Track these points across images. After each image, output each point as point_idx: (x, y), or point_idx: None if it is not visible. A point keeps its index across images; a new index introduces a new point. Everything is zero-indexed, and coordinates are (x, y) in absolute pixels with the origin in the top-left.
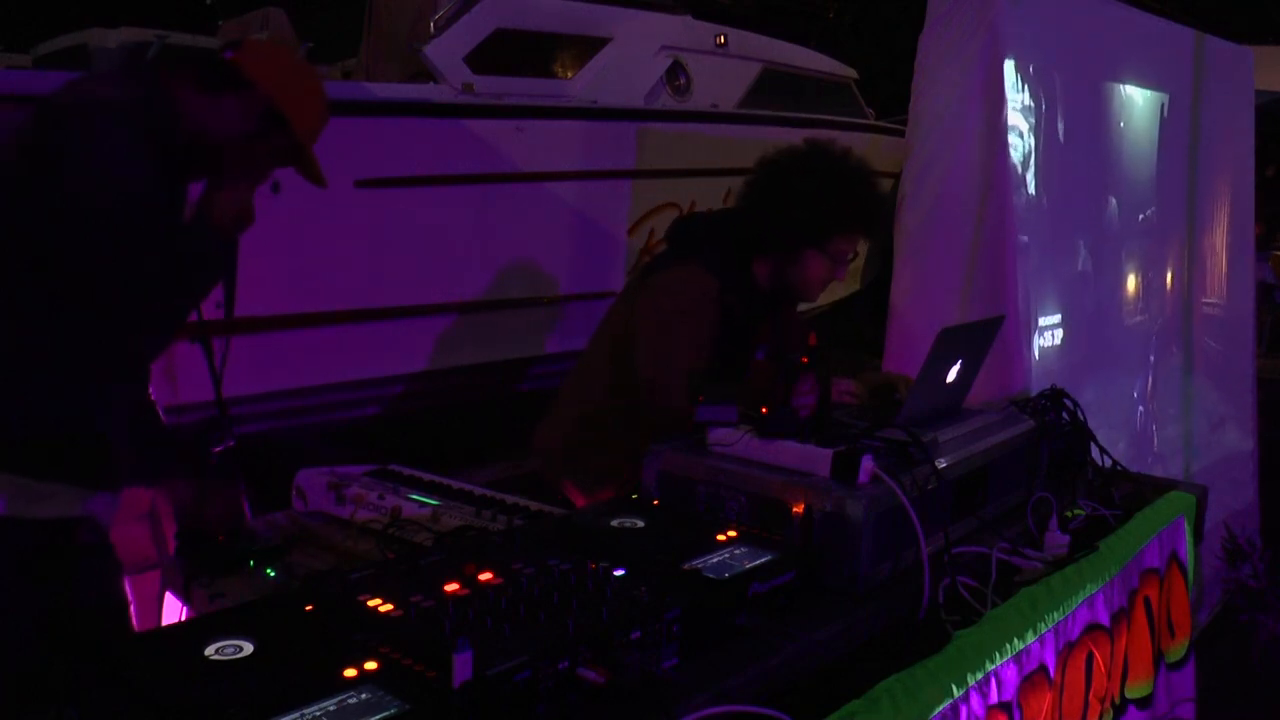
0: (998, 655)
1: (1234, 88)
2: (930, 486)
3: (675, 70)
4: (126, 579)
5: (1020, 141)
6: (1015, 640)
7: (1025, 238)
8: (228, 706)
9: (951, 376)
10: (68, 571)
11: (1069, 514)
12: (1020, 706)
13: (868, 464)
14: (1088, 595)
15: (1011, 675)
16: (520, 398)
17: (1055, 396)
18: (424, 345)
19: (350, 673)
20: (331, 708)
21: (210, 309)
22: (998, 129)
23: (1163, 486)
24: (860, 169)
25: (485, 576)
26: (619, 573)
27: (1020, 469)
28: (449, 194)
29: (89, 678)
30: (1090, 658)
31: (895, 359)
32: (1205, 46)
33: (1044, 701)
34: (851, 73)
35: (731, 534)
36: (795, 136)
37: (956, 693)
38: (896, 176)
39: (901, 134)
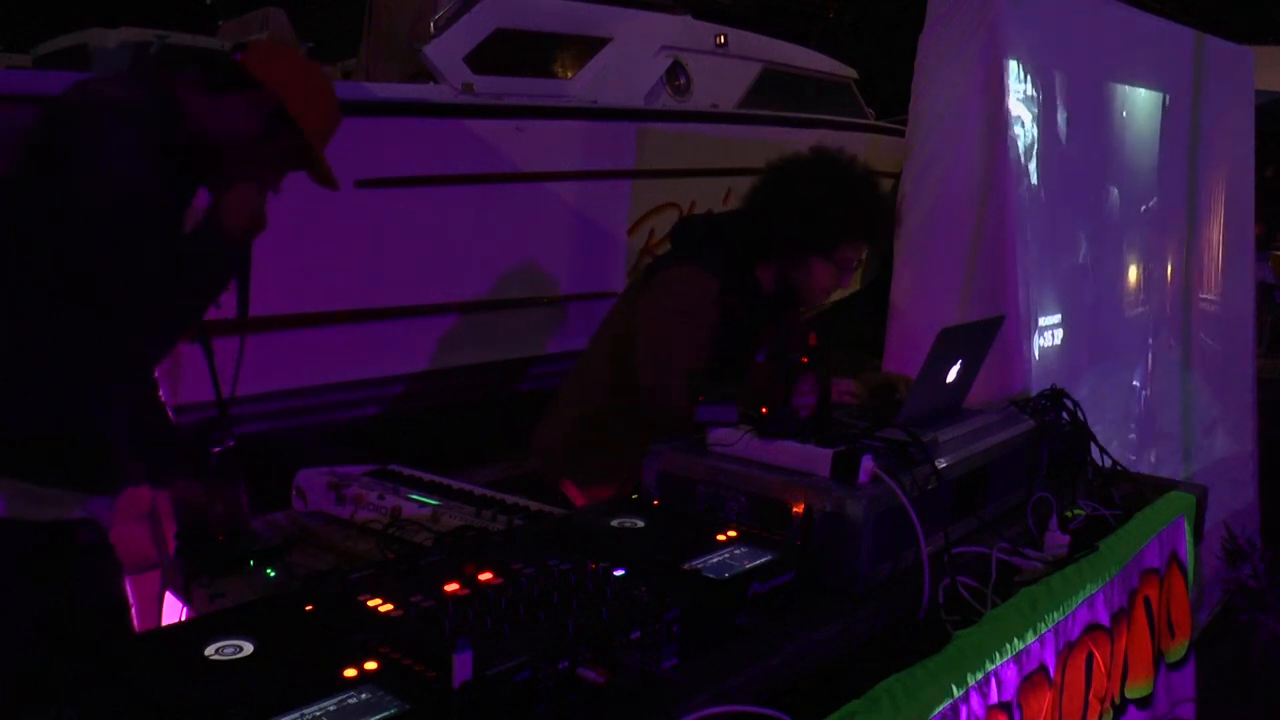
0: (998, 655)
1: (1234, 88)
2: (930, 486)
3: (675, 70)
4: (127, 579)
5: (1021, 137)
6: (1015, 640)
7: (1026, 234)
8: (228, 706)
9: (951, 376)
10: (68, 572)
11: (1069, 514)
12: (1020, 706)
13: (868, 464)
14: (1088, 595)
15: (1011, 675)
16: (520, 398)
17: (1055, 396)
18: (424, 345)
19: (350, 673)
20: (331, 708)
21: (211, 309)
22: (998, 129)
23: (1163, 486)
24: (867, 177)
25: (485, 576)
26: (619, 573)
27: (1020, 469)
28: (449, 194)
29: (89, 678)
30: (1090, 658)
31: (895, 359)
32: (1205, 46)
33: (1044, 701)
34: (851, 73)
35: (731, 534)
36: (795, 136)
37: (956, 693)
38: (896, 176)
39: (901, 134)
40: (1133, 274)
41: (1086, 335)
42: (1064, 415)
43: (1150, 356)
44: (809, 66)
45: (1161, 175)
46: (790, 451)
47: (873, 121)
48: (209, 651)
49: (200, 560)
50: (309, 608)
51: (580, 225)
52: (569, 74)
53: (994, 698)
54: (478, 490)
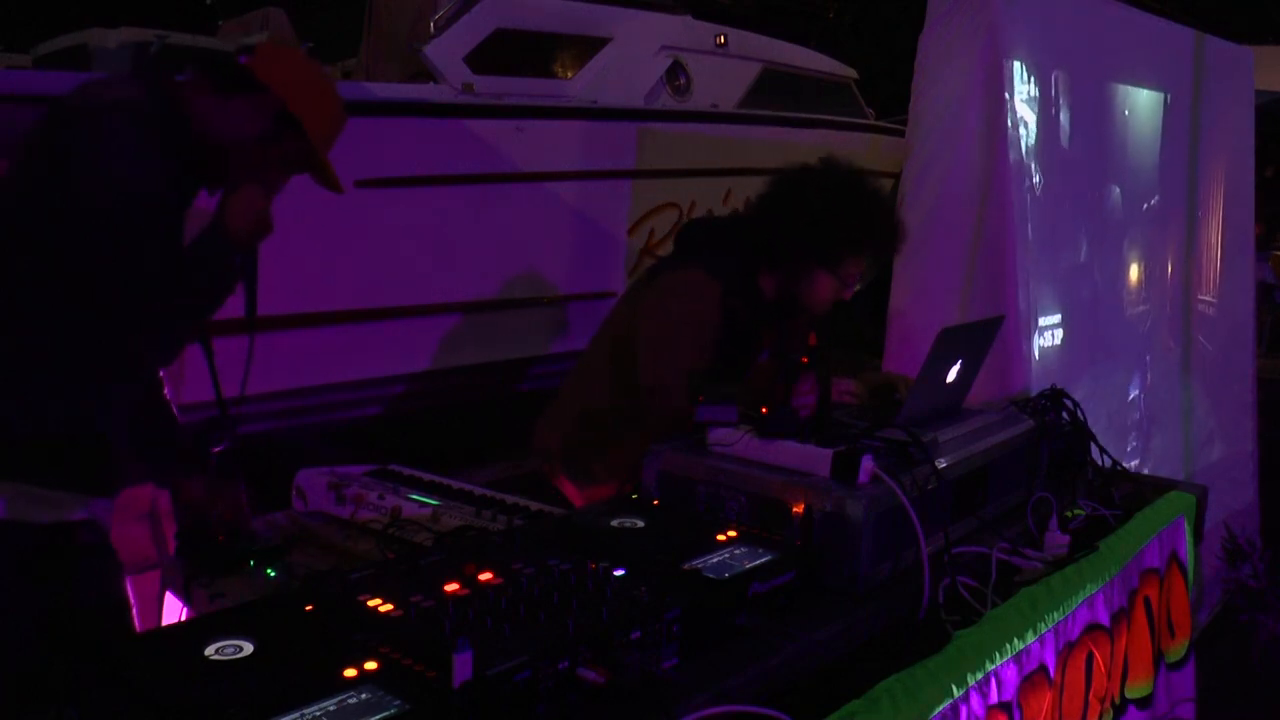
0: (998, 655)
1: (1234, 88)
2: (930, 486)
3: (675, 70)
4: (127, 579)
5: (1021, 137)
6: (1015, 640)
7: (1026, 234)
8: (228, 706)
9: (951, 376)
10: (68, 572)
11: (1069, 514)
12: (1020, 706)
13: (868, 464)
14: (1088, 595)
15: (1011, 675)
16: (520, 398)
17: (1055, 396)
18: (424, 345)
19: (350, 673)
20: (331, 708)
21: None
22: (998, 129)
23: (1163, 486)
24: (875, 192)
25: (485, 576)
26: (619, 573)
27: (1020, 469)
28: (449, 194)
29: (89, 678)
30: (1090, 658)
31: (895, 359)
32: (1205, 46)
33: (1044, 701)
34: (851, 73)
35: (731, 534)
36: (795, 136)
37: (956, 693)
38: (896, 176)
39: (901, 134)
40: (1133, 274)
41: (1086, 335)
42: (1064, 415)
43: (1150, 357)
44: (809, 66)
45: (1162, 175)
46: (790, 451)
47: (873, 121)
48: (209, 651)
49: (200, 560)
50: (309, 608)
51: (580, 225)
52: (569, 74)
53: (994, 698)
54: (478, 490)
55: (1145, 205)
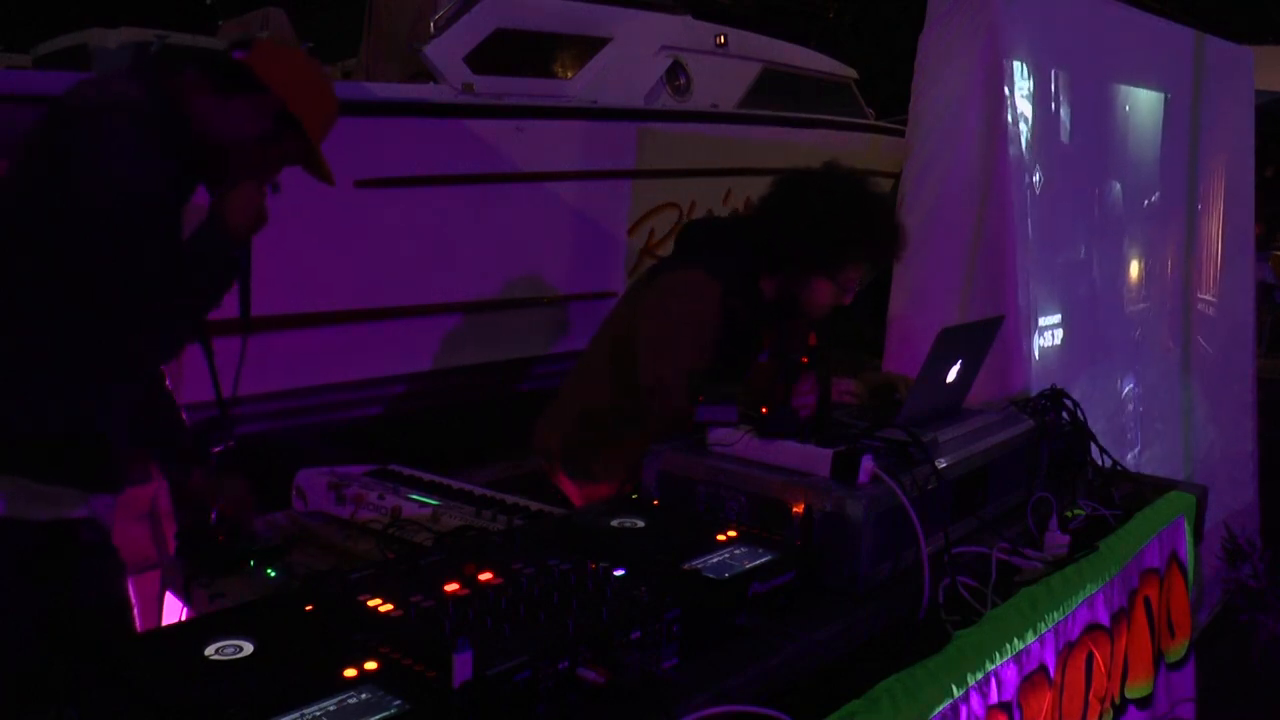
0: (998, 655)
1: (1234, 88)
2: (930, 486)
3: (675, 70)
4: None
5: (1021, 137)
6: (1015, 640)
7: (1026, 234)
8: (228, 706)
9: (951, 376)
10: (68, 571)
11: (1069, 514)
12: (1020, 706)
13: (868, 464)
14: (1088, 595)
15: (1011, 675)
16: (520, 398)
17: (1055, 396)
18: (424, 345)
19: (350, 673)
20: (331, 708)
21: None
22: (998, 128)
23: (1163, 486)
24: (878, 199)
25: (485, 576)
26: (619, 573)
27: (1020, 469)
28: (449, 194)
29: (89, 678)
30: (1090, 658)
31: (895, 359)
32: (1205, 46)
33: (1044, 701)
34: (851, 73)
35: (731, 534)
36: (795, 136)
37: (956, 693)
38: (896, 176)
39: (901, 134)
40: (1133, 275)
41: (1087, 335)
42: (1064, 415)
43: (1150, 357)
44: (809, 66)
45: (1162, 175)
46: (790, 451)
47: (873, 121)
48: (209, 651)
49: (200, 560)
50: (309, 608)
51: (580, 225)
52: (569, 74)
53: (994, 698)
54: (478, 490)
55: (1145, 203)
